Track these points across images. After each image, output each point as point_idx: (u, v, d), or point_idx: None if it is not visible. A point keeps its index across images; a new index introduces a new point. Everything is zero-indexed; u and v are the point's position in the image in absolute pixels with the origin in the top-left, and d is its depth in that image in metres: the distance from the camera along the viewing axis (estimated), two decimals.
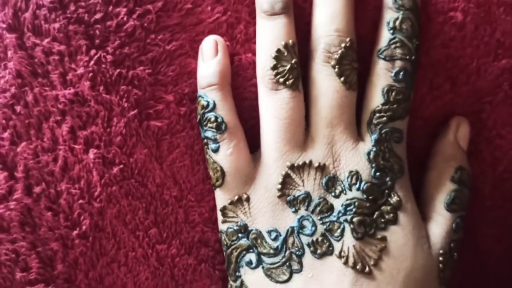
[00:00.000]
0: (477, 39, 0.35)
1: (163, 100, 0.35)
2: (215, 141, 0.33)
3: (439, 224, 0.34)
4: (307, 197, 0.32)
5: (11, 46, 0.34)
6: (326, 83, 0.32)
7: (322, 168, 0.32)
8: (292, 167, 0.32)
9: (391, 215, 0.32)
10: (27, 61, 0.34)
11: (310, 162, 0.32)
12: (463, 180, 0.35)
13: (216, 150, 0.33)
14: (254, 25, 0.34)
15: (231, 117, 0.33)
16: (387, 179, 0.32)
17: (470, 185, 0.35)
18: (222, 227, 0.34)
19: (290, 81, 0.32)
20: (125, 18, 0.34)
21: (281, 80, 0.32)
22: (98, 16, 0.34)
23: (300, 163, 0.32)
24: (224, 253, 0.34)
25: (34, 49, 0.34)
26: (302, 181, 0.32)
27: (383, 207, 0.32)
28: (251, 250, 0.32)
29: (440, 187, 0.34)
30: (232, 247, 0.33)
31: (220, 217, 0.34)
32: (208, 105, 0.33)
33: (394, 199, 0.32)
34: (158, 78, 0.34)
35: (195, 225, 0.35)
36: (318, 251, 0.31)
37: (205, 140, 0.33)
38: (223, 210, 0.33)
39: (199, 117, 0.34)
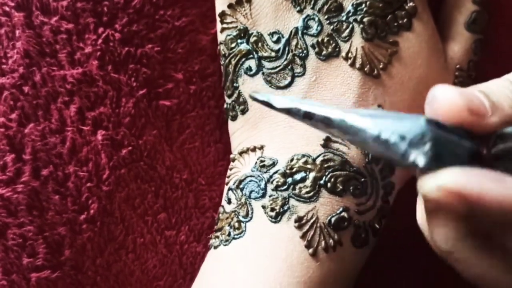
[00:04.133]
0: None
1: (172, 78, 0.33)
2: None
3: (458, 42, 0.32)
4: None
5: (19, 25, 0.33)
6: None
7: None
8: None
9: (405, 20, 0.30)
10: (35, 40, 0.33)
11: None
12: (484, 2, 0.32)
13: None
14: None
15: None
16: None
17: (488, 10, 0.33)
18: (221, 37, 0.32)
19: None
20: None
21: None
22: None
23: None
24: (222, 68, 0.32)
25: (42, 28, 0.33)
26: None
27: (397, 12, 0.30)
28: (251, 56, 0.31)
29: (460, 8, 0.33)
30: (231, 55, 0.31)
31: (218, 26, 0.32)
32: None
33: (409, 4, 0.30)
34: (168, 56, 0.33)
35: (205, 210, 0.33)
36: (324, 52, 0.30)
37: None
38: (222, 15, 0.31)
39: None
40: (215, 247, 0.30)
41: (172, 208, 0.33)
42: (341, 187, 0.29)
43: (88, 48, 0.33)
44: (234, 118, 0.32)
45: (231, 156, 0.32)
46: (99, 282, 0.34)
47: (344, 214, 0.28)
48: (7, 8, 0.33)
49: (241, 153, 0.31)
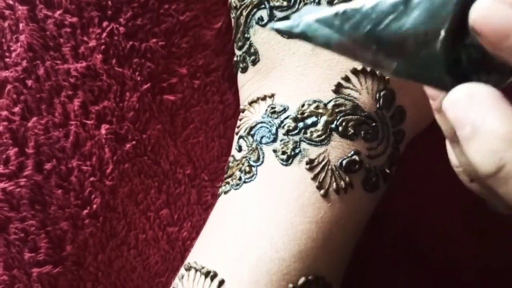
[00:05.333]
0: None
1: (176, 73, 0.33)
2: None
3: None
4: None
5: (23, 19, 0.33)
6: None
7: None
8: None
9: None
10: (38, 34, 0.33)
11: None
12: None
13: None
14: None
15: None
16: None
17: None
18: None
19: None
20: None
21: None
22: None
23: None
24: (233, 20, 0.32)
25: (46, 21, 0.33)
26: None
27: None
28: (262, 6, 0.31)
29: None
30: (242, 6, 0.31)
31: None
32: None
33: None
34: (172, 51, 0.33)
35: (207, 207, 0.33)
36: (335, 1, 0.29)
37: None
38: None
39: None
40: (225, 193, 0.30)
41: (175, 204, 0.33)
42: (352, 131, 0.29)
43: (92, 42, 0.33)
44: (244, 69, 0.32)
45: (241, 107, 0.32)
46: (101, 278, 0.33)
47: (355, 157, 0.28)
48: (10, 2, 0.33)
49: (251, 103, 0.31)
